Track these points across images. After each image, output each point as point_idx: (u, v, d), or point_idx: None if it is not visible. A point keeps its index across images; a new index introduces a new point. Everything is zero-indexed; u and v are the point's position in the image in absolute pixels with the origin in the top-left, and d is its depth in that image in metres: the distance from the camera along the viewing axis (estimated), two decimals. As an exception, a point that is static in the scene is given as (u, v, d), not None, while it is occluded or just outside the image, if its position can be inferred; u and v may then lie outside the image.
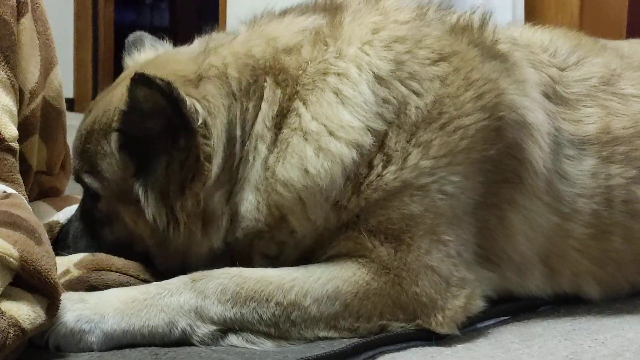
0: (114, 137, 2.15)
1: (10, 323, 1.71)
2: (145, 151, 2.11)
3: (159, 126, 2.07)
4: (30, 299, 1.79)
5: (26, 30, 2.51)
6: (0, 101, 2.30)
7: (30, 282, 1.79)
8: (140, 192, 2.12)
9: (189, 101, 2.05)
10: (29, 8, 2.54)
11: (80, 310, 1.94)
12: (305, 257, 2.17)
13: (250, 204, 2.14)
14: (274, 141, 2.14)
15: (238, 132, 2.15)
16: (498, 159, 2.21)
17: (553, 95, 2.36)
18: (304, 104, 2.14)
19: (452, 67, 2.20)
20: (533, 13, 5.81)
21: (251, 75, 2.19)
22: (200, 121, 2.08)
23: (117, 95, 2.21)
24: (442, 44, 2.23)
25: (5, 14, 2.39)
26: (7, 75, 2.35)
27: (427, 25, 2.28)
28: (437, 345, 2.07)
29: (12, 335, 1.70)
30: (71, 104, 7.79)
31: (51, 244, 2.00)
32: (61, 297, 1.86)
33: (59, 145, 2.75)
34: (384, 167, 2.11)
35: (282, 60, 2.20)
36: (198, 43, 2.35)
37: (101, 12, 8.55)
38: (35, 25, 2.58)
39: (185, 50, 2.36)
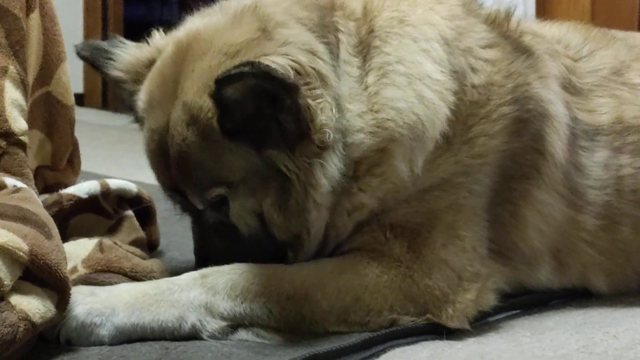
0: (219, 136, 2.00)
1: (20, 317, 1.71)
2: (254, 130, 1.99)
3: (257, 103, 1.95)
4: (40, 293, 1.79)
5: (34, 26, 2.51)
6: (10, 95, 2.30)
7: (40, 276, 1.79)
8: (269, 161, 1.99)
9: (272, 64, 1.91)
10: (37, 3, 2.54)
11: (91, 303, 1.94)
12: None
13: (351, 114, 2.07)
14: (364, 65, 2.12)
15: (328, 58, 2.08)
16: (519, 154, 2.23)
17: (569, 86, 2.39)
18: (386, 45, 2.14)
19: (499, 55, 2.24)
20: (544, 8, 5.81)
21: (319, 13, 2.15)
22: (292, 73, 1.95)
23: (183, 95, 2.03)
24: (489, 34, 2.28)
25: (15, 8, 2.39)
26: (17, 70, 2.35)
27: (473, 16, 2.32)
28: (448, 339, 2.06)
29: (22, 329, 1.70)
30: (81, 99, 7.79)
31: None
32: (71, 291, 1.86)
33: (66, 141, 2.74)
34: (446, 151, 2.13)
35: (346, 1, 2.21)
36: (220, 9, 2.22)
37: (111, 7, 8.56)
38: (42, 21, 2.58)
39: (213, 20, 2.19)
